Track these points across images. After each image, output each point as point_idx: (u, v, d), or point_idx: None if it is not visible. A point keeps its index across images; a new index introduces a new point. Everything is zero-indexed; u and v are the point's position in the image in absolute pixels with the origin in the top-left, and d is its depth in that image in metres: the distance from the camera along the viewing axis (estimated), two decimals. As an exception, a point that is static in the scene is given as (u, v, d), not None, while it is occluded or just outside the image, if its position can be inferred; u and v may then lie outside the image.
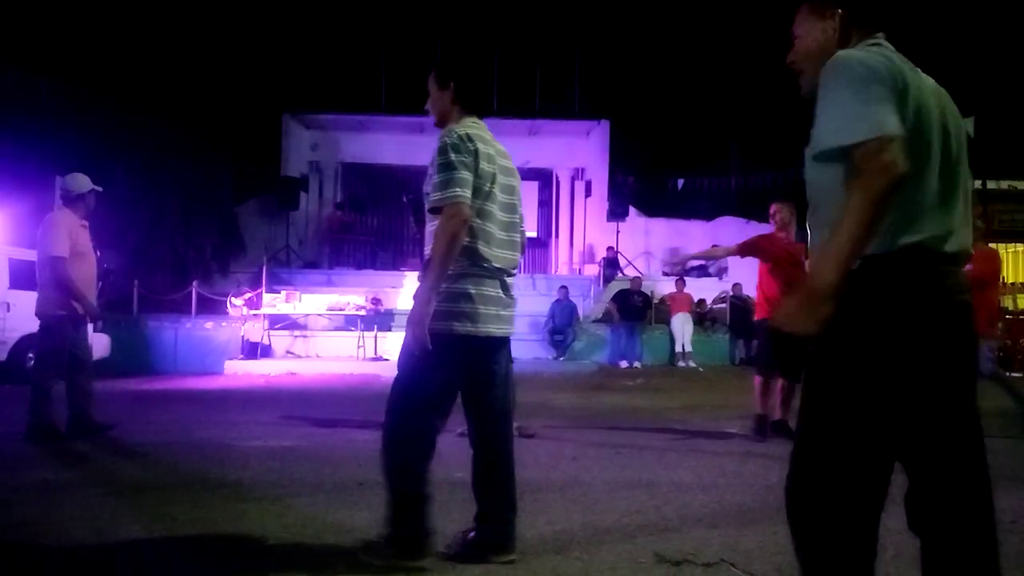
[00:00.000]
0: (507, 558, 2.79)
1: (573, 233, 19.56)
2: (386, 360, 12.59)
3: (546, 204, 19.87)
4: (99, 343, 10.70)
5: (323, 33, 18.30)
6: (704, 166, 19.08)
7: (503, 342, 2.92)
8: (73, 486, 4.02)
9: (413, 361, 2.72)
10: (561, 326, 13.80)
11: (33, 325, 9.60)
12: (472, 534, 2.84)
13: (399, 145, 18.66)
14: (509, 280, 2.90)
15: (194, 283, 14.05)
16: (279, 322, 14.00)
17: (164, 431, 6.06)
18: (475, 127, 2.84)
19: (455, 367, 2.77)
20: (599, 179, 18.40)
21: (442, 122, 2.94)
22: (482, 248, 2.76)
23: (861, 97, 1.65)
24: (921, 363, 1.70)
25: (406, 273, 16.07)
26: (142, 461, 4.76)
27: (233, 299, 13.92)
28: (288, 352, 13.83)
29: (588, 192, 18.78)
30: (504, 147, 2.95)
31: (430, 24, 18.40)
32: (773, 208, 6.16)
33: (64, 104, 14.48)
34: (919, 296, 1.69)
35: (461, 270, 2.74)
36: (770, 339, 5.75)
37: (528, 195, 19.30)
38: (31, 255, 10.15)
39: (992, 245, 6.66)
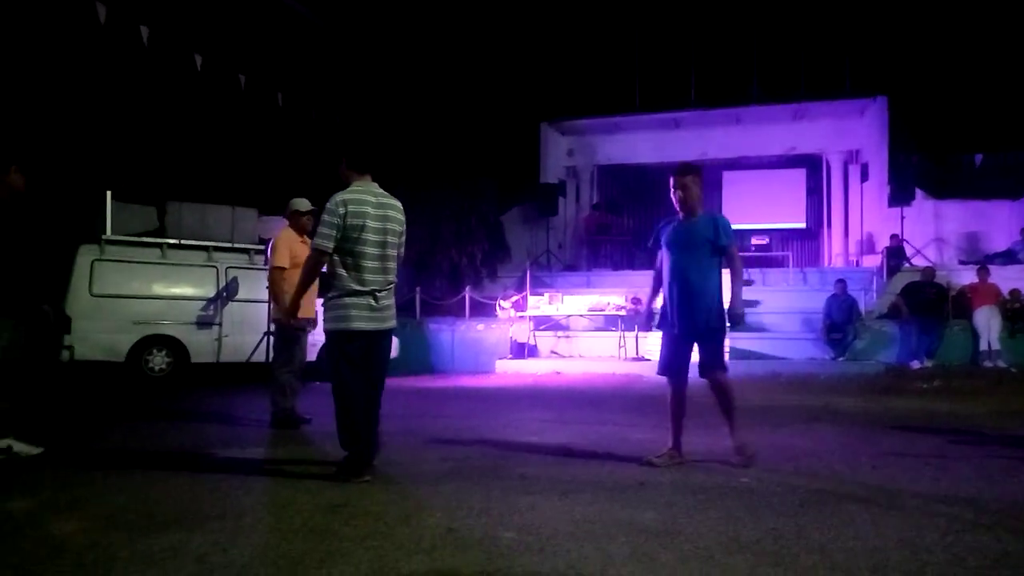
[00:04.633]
0: (363, 479, 4.11)
1: (848, 222, 18.01)
2: (648, 360, 12.48)
3: (815, 192, 18.50)
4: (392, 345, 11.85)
5: (574, 40, 18.70)
6: (1006, 137, 16.52)
7: (377, 333, 4.29)
8: (380, 474, 4.40)
9: (329, 350, 4.40)
10: (839, 323, 12.67)
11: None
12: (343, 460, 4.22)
13: (654, 143, 18.48)
14: (382, 293, 4.27)
15: (467, 288, 15.07)
16: (543, 323, 14.52)
17: (449, 425, 6.54)
18: (355, 191, 4.26)
19: (347, 348, 4.23)
20: (877, 161, 16.77)
21: (347, 184, 4.33)
22: (356, 275, 4.21)
23: None
24: None
25: (665, 272, 15.78)
26: (437, 452, 5.13)
27: (501, 302, 14.69)
28: (553, 352, 14.27)
29: (864, 176, 17.18)
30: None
31: (682, 16, 18.01)
32: None
33: (341, 129, 16.28)
34: None
35: (342, 290, 4.20)
36: None
37: (795, 184, 18.23)
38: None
39: None
